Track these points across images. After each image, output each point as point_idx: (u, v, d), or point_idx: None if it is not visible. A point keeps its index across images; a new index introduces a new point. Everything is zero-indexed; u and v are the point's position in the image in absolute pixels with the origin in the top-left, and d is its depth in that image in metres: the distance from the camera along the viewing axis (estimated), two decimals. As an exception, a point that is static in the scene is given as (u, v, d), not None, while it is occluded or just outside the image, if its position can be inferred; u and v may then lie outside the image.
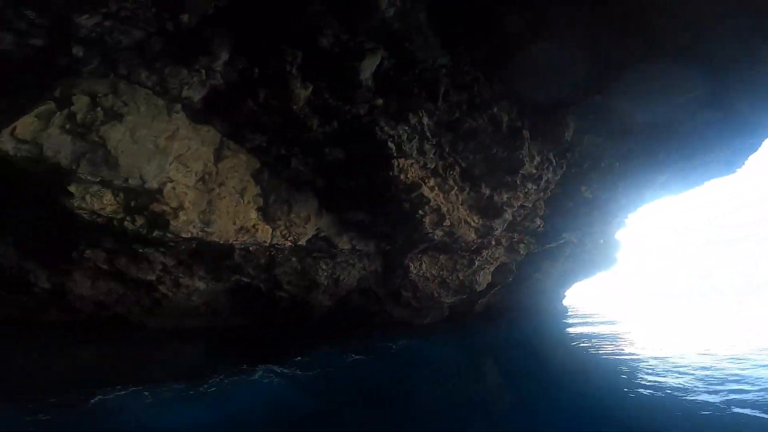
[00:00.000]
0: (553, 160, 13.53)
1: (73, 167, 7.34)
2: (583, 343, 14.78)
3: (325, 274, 14.39)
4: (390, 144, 9.86)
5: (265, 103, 8.53)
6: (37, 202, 9.39)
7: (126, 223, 8.69)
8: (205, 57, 7.48)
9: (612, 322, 21.62)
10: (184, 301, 12.79)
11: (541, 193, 14.90)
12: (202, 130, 8.93)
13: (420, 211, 12.15)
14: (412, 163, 10.79)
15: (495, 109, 10.53)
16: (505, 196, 13.62)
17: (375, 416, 7.44)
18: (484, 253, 16.49)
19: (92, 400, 6.09)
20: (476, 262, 16.58)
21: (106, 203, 8.25)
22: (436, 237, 13.60)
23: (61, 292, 11.21)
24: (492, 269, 17.72)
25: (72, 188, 7.73)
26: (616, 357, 11.50)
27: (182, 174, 8.67)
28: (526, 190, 13.74)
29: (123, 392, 6.46)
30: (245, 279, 13.18)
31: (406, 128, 9.74)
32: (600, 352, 12.50)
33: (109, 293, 11.79)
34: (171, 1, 6.42)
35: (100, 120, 7.25)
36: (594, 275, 25.97)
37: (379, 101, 9.11)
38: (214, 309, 14.49)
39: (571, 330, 18.32)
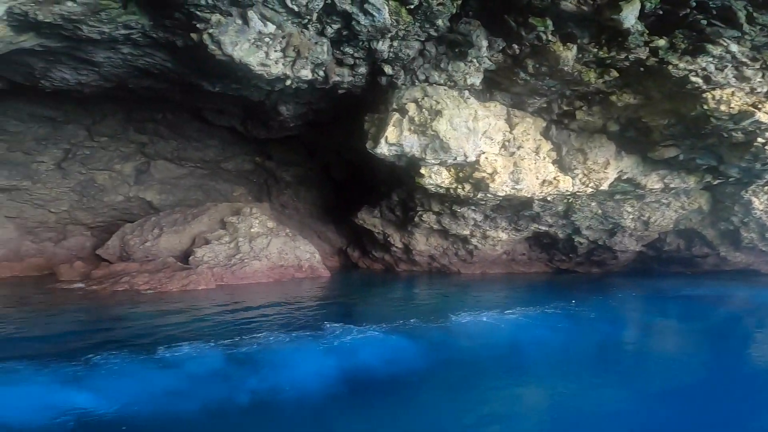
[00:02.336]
0: None
1: (423, 156, 10.15)
2: None
3: (632, 216, 13.71)
4: (693, 78, 8.60)
5: (535, 71, 9.12)
6: (393, 185, 13.33)
7: (459, 190, 11.32)
8: (472, 49, 8.72)
9: None
10: (490, 251, 15.05)
11: None
12: (491, 107, 10.39)
13: (759, 139, 10.07)
14: (733, 92, 9.07)
15: None
16: None
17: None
18: None
19: (450, 321, 8.85)
20: None
21: (444, 177, 11.06)
22: (794, 163, 10.79)
23: (407, 250, 15.33)
24: None
25: (423, 171, 10.74)
26: None
27: (489, 146, 10.57)
28: None
29: (466, 318, 9.07)
30: (542, 227, 14.15)
31: (709, 59, 8.29)
32: None
33: (437, 247, 15.17)
34: (425, 13, 7.81)
35: (428, 118, 9.68)
36: None
37: (660, 41, 8.10)
38: (513, 257, 16.31)
39: None
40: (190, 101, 11.53)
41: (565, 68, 8.82)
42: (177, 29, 7.52)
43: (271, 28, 7.37)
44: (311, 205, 17.19)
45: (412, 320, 8.70)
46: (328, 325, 8.04)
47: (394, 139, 9.85)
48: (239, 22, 7.19)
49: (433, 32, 8.34)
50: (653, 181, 12.24)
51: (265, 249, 13.60)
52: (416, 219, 13.85)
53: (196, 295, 10.82)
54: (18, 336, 7.45)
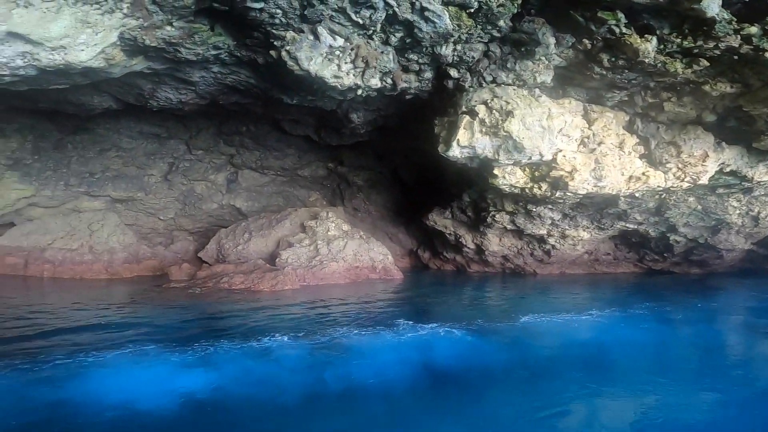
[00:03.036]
0: None
1: (495, 157, 10.03)
2: None
3: (738, 211, 12.33)
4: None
5: (612, 65, 8.61)
6: (463, 186, 13.33)
7: (535, 189, 11.03)
8: (539, 47, 8.47)
9: None
10: (570, 251, 14.36)
11: None
12: (565, 104, 9.98)
13: None
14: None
15: None
16: None
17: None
18: None
19: (519, 322, 8.94)
20: None
21: (519, 177, 10.85)
22: None
23: (480, 250, 15.12)
24: None
25: (496, 171, 10.60)
26: None
27: (566, 143, 10.16)
28: None
29: (540, 318, 9.02)
30: (630, 225, 13.22)
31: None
32: None
33: (511, 248, 14.84)
34: (486, 15, 7.67)
35: (499, 119, 9.56)
36: None
37: (752, 29, 7.28)
38: (596, 257, 15.29)
39: None
40: (270, 114, 12.47)
41: (646, 60, 8.19)
42: (257, 47, 8.23)
43: (339, 41, 7.78)
44: (382, 208, 17.63)
45: (483, 320, 8.89)
46: (402, 323, 8.53)
47: (466, 142, 9.86)
48: (311, 37, 7.68)
49: (495, 33, 8.23)
50: (762, 173, 10.93)
51: (342, 251, 14.21)
52: (489, 219, 13.62)
53: (283, 293, 11.72)
54: (141, 324, 8.72)
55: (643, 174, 10.67)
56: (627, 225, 13.23)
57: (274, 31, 7.60)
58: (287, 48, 7.79)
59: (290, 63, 7.98)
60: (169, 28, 7.43)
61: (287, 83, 9.21)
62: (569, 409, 5.48)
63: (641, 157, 10.66)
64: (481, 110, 9.54)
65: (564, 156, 10.28)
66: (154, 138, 14.07)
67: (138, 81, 9.40)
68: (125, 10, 6.87)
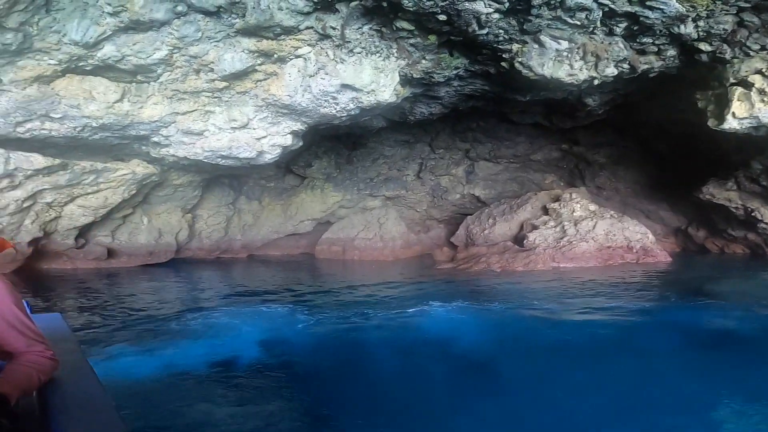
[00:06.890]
0: None
1: None
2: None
3: None
4: None
5: None
6: (750, 153, 11.34)
7: None
8: None
9: None
10: None
11: None
12: None
13: None
14: None
15: None
16: None
17: None
18: None
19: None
20: None
21: None
22: None
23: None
24: None
25: None
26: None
27: None
28: None
29: None
30: None
31: None
32: None
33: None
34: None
35: None
36: None
37: None
38: None
39: None
40: (498, 109, 13.31)
41: None
42: (487, 61, 9.21)
43: (564, 44, 7.98)
44: (632, 184, 16.04)
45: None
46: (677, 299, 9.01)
47: (745, 114, 8.68)
48: (536, 46, 8.17)
49: (743, 4, 6.91)
50: None
51: (591, 231, 13.88)
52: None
53: (536, 272, 12.44)
54: (441, 289, 11.00)
55: None
56: None
57: (500, 46, 8.40)
58: (518, 59, 8.49)
59: (524, 71, 8.64)
60: (424, 61, 9.18)
61: (520, 85, 9.86)
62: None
63: None
64: (757, 80, 8.24)
65: None
66: (405, 144, 16.90)
67: (402, 103, 11.54)
68: (395, 54, 8.89)
